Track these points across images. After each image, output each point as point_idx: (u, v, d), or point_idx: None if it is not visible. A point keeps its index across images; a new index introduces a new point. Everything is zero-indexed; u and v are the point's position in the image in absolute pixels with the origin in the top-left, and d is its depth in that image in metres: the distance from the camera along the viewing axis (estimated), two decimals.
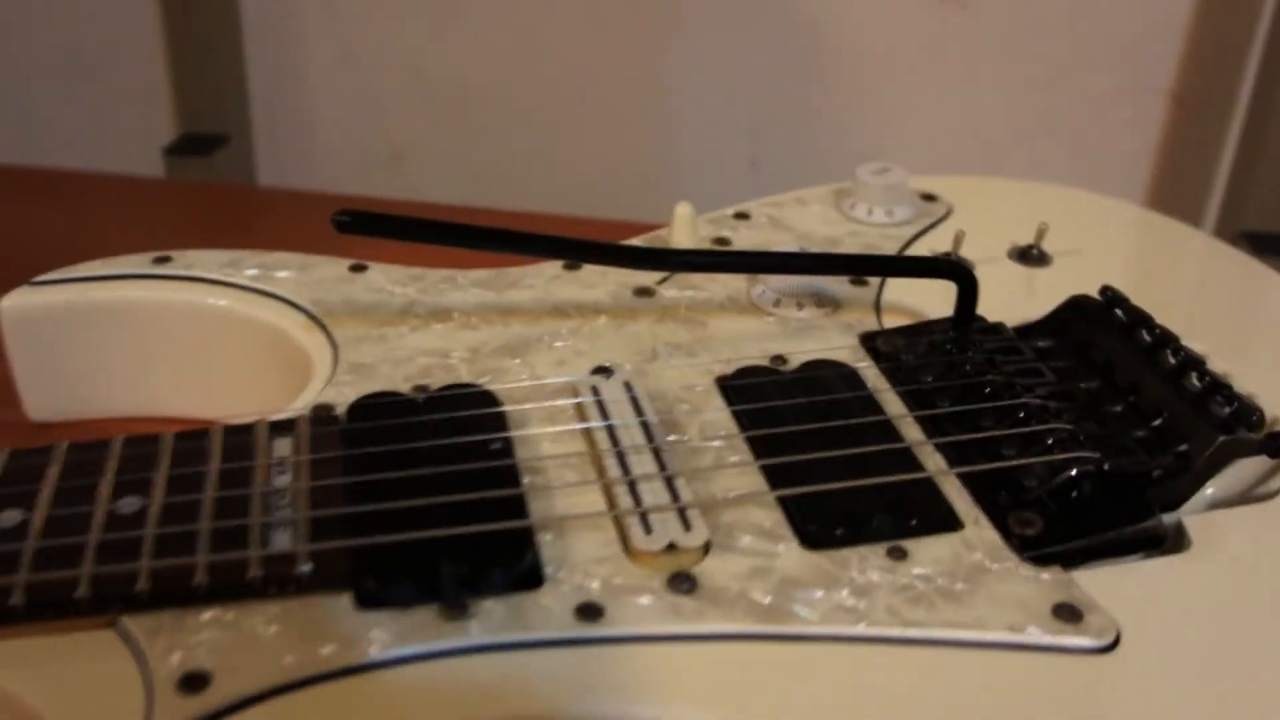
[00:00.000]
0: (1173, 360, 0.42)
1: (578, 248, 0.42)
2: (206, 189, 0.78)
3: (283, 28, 0.86)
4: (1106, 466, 0.38)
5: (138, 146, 0.85)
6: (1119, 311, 0.45)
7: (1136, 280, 0.49)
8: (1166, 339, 0.43)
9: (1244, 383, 0.42)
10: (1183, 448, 0.40)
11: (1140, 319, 0.44)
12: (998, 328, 0.45)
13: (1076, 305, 0.46)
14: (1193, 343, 0.43)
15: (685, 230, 0.48)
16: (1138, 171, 0.83)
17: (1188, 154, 0.82)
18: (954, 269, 0.44)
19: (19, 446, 0.37)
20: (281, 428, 0.38)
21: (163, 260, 0.47)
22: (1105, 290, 0.46)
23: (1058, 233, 0.52)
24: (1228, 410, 0.40)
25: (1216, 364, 0.43)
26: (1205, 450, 0.39)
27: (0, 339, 0.46)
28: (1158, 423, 0.41)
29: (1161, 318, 0.44)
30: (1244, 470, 0.40)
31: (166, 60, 0.85)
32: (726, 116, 0.84)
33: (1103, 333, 0.44)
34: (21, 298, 0.46)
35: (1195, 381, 0.41)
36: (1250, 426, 0.40)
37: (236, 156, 0.86)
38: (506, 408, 0.39)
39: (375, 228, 0.38)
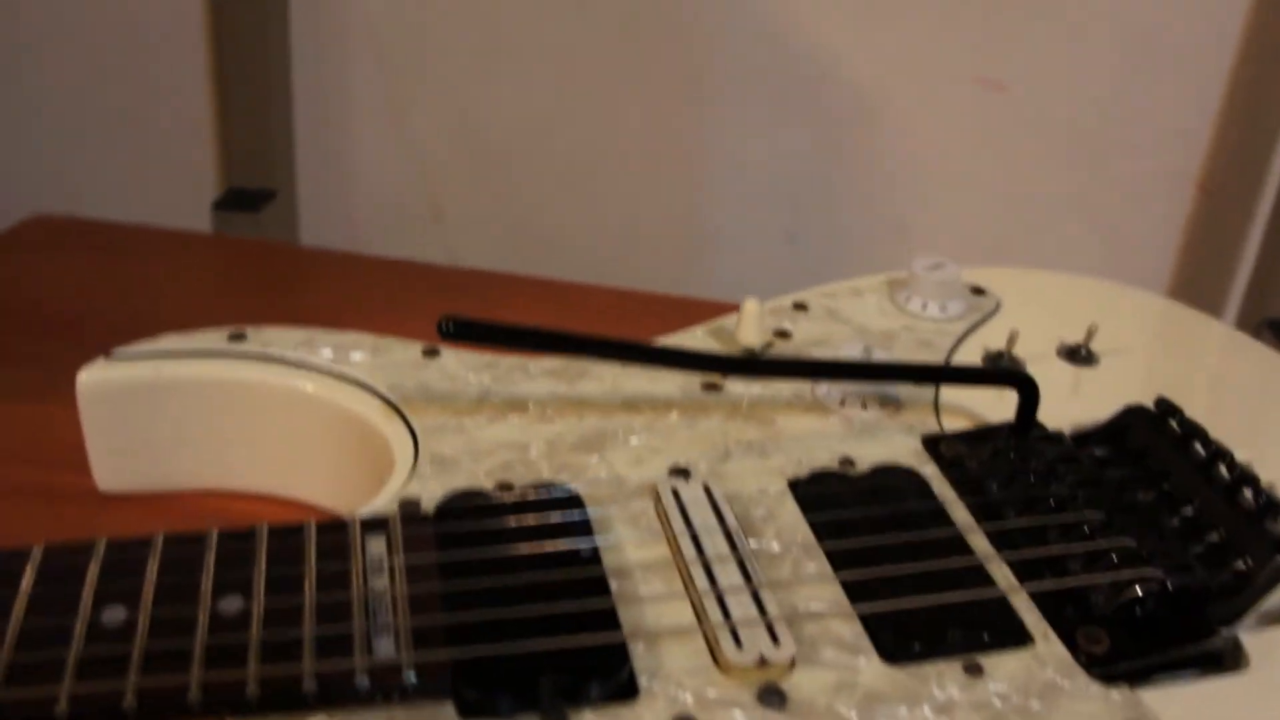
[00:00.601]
0: (1227, 475, 0.44)
1: (674, 358, 0.44)
2: (253, 245, 0.79)
3: (332, 84, 0.86)
4: (1170, 585, 0.39)
5: (186, 200, 0.86)
6: (1173, 423, 0.46)
7: (1183, 382, 0.50)
8: (1221, 454, 0.44)
9: None
10: (1240, 565, 0.41)
11: (1194, 431, 0.46)
12: (1057, 436, 0.46)
13: (1132, 415, 0.47)
14: (1242, 450, 0.45)
15: (752, 325, 0.49)
16: (1164, 257, 0.85)
17: (1214, 241, 0.84)
18: (1017, 378, 0.45)
19: (93, 519, 0.38)
20: (373, 526, 0.39)
21: (238, 337, 0.48)
22: (1160, 401, 0.47)
23: (1104, 330, 0.54)
24: None
25: (1265, 471, 0.44)
26: (1263, 568, 0.40)
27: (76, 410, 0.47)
28: (1214, 538, 0.42)
29: (1209, 422, 0.46)
30: None
31: (215, 114, 0.86)
32: (765, 190, 0.85)
33: (1158, 443, 0.46)
34: (99, 372, 0.46)
35: (1250, 498, 0.43)
36: None
37: (282, 212, 0.87)
38: (591, 511, 0.40)
39: (479, 336, 0.39)
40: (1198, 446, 0.45)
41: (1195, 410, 0.47)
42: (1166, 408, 0.47)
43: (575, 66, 0.84)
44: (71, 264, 0.70)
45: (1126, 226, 0.84)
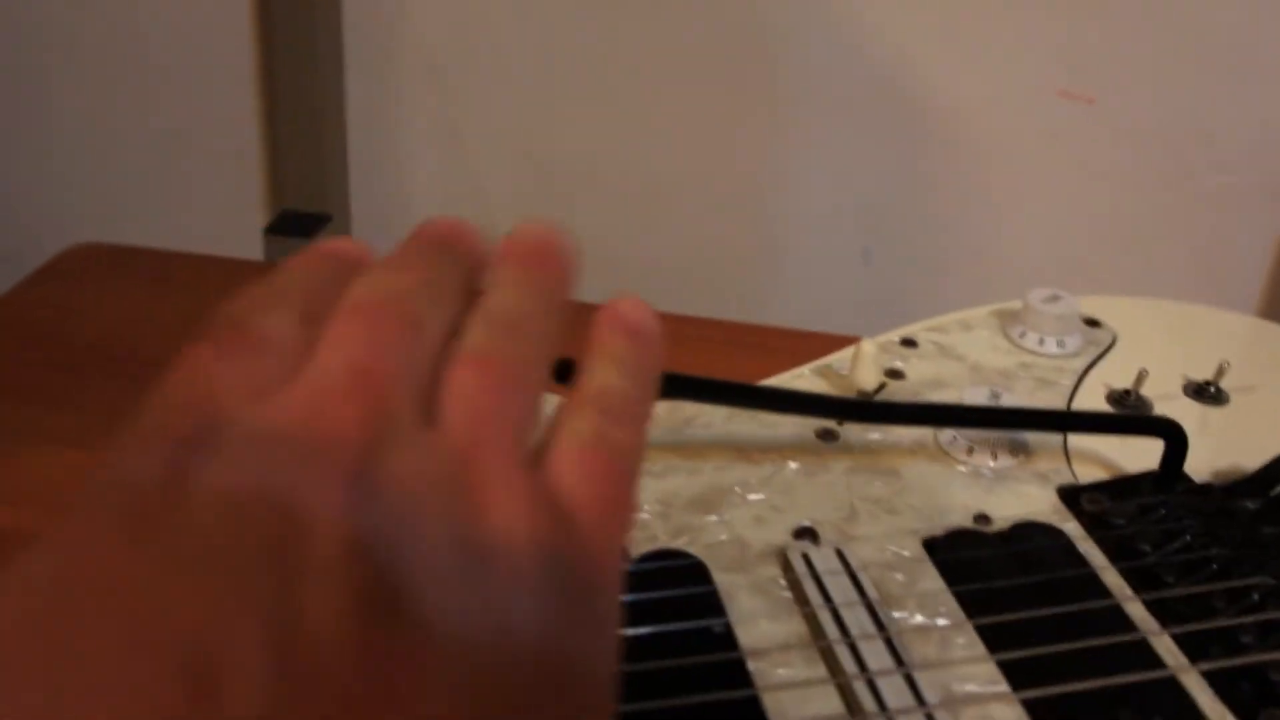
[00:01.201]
0: None
1: (850, 408, 0.41)
2: None
3: (387, 106, 0.83)
4: None
5: (236, 226, 0.83)
6: None
7: None
8: None
9: None
10: None
11: None
12: (1207, 489, 0.43)
13: None
14: None
15: (869, 367, 0.45)
16: (1256, 271, 0.81)
17: None
18: (1165, 426, 0.42)
19: None
20: None
21: None
22: None
23: (1231, 365, 0.50)
24: None
25: None
26: None
27: None
28: None
29: None
30: None
31: (265, 138, 0.83)
32: (838, 205, 0.82)
33: None
34: None
35: None
36: None
37: (336, 237, 0.83)
38: (717, 581, 0.37)
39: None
40: None
41: None
42: None
43: (638, 84, 0.81)
44: (116, 294, 0.67)
45: (1216, 243, 0.81)
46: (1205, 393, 0.50)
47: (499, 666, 0.19)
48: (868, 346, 0.45)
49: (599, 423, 0.23)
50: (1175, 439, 0.42)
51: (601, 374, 0.24)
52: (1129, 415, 0.43)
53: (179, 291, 0.67)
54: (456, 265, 0.25)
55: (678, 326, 0.68)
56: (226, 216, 0.85)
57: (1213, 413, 0.49)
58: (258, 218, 0.84)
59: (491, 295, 0.24)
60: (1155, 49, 0.76)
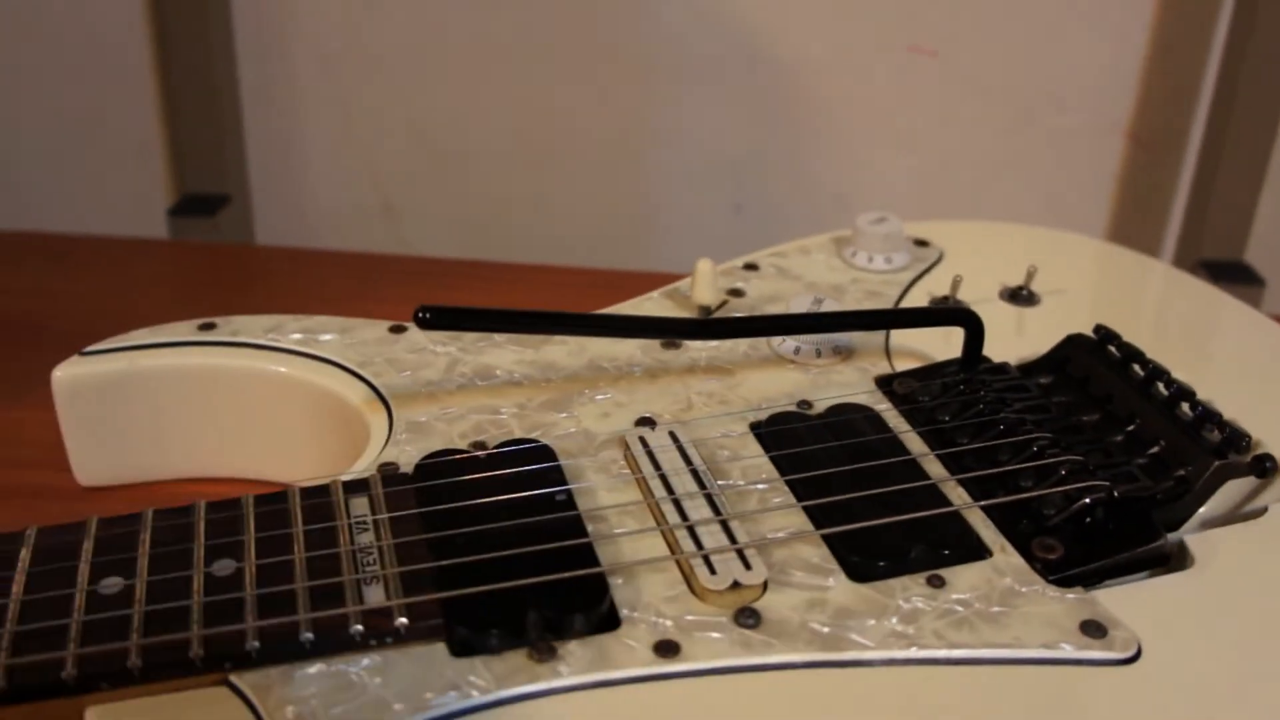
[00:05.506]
0: (1165, 392, 0.46)
1: (639, 327, 0.46)
2: (212, 248, 0.80)
3: (278, 89, 0.88)
4: (1116, 493, 0.41)
5: (140, 210, 0.86)
6: (1112, 348, 0.49)
7: (1120, 315, 0.53)
8: (1158, 372, 0.47)
9: (1221, 406, 0.46)
10: (1181, 472, 0.43)
11: (1132, 354, 0.48)
12: (1003, 367, 0.48)
13: (1073, 343, 0.50)
14: (1177, 372, 0.47)
15: (707, 284, 0.51)
16: (1100, 206, 0.87)
17: (1146, 189, 0.87)
18: (962, 316, 0.48)
19: (77, 513, 0.39)
20: (355, 487, 0.40)
21: (208, 327, 0.50)
22: (1099, 329, 0.50)
23: (1043, 272, 0.56)
24: (1219, 436, 0.44)
25: (1198, 389, 0.46)
26: (1203, 474, 0.43)
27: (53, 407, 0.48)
28: (1155, 450, 0.44)
29: (1151, 349, 0.48)
30: (1233, 491, 0.44)
31: (164, 123, 0.87)
32: (710, 165, 0.87)
33: (1099, 368, 0.48)
34: (73, 368, 0.48)
35: (1187, 410, 0.45)
36: (1239, 450, 0.44)
37: (237, 215, 0.88)
38: (563, 461, 0.42)
39: (455, 321, 0.41)
40: (1136, 367, 0.47)
41: (1137, 339, 0.49)
42: (1105, 334, 0.49)
43: (514, 57, 0.86)
44: (28, 277, 0.70)
45: (1060, 181, 0.87)
46: (1019, 296, 0.56)
47: None
48: (704, 265, 0.51)
49: None
50: (972, 326, 0.48)
51: None
52: (927, 308, 0.48)
53: (86, 271, 0.71)
54: None
55: (564, 276, 0.73)
56: (130, 204, 0.89)
57: (1027, 313, 0.55)
58: (163, 202, 0.88)
59: None
60: (992, 1, 0.82)
